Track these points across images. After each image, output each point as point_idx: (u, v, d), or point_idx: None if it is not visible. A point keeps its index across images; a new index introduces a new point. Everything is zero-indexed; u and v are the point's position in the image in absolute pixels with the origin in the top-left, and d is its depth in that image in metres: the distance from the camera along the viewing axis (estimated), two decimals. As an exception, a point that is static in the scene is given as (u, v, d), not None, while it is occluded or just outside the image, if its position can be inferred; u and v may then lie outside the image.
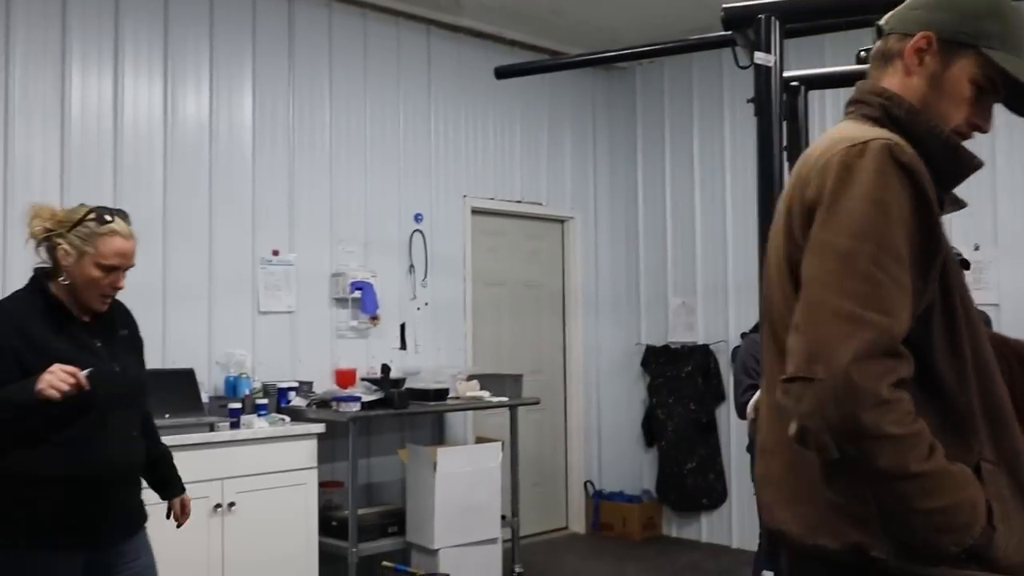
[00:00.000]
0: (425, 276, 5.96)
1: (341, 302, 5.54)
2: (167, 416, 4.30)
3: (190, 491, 4.17)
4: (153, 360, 4.69)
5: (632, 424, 7.08)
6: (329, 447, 4.93)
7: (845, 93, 5.82)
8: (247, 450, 4.38)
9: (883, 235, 1.35)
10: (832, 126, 5.89)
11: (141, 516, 2.69)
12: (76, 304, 2.50)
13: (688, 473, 6.66)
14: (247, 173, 5.22)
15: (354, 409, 4.72)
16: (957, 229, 5.49)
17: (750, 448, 4.18)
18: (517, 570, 5.41)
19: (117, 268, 2.49)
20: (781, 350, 1.47)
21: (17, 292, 2.55)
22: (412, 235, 5.92)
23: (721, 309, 6.61)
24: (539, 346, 6.85)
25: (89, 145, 4.67)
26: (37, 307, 2.46)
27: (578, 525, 6.95)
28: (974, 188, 5.49)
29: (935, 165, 1.48)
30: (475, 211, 6.33)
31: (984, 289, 5.19)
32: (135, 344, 2.71)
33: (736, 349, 6.17)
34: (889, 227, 1.36)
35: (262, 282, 5.24)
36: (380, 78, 5.85)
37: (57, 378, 2.25)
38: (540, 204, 6.79)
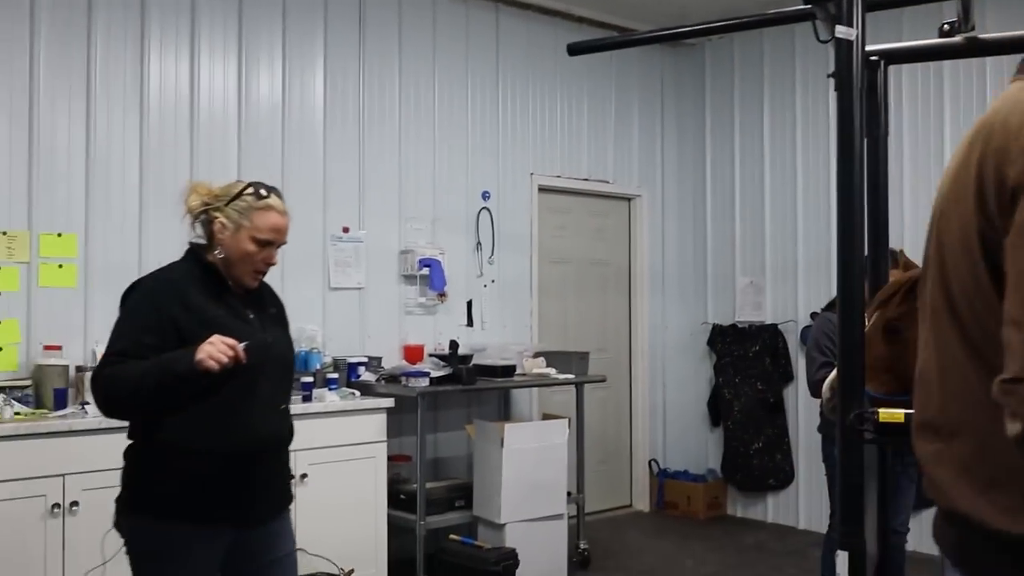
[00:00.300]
0: (492, 253, 5.99)
1: (409, 279, 5.60)
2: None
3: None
4: (228, 334, 4.85)
5: (697, 403, 7.05)
6: (397, 421, 5.00)
7: (923, 68, 5.65)
8: (318, 423, 4.47)
9: None
10: (909, 102, 5.75)
11: (287, 496, 2.63)
12: (229, 279, 2.51)
13: (754, 453, 6.61)
14: (318, 152, 5.30)
15: (423, 384, 4.78)
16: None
17: (821, 428, 4.14)
18: (582, 546, 5.44)
19: (271, 243, 2.49)
20: (962, 326, 1.46)
21: (173, 263, 2.55)
22: (479, 213, 5.95)
23: (790, 288, 6.52)
24: (605, 324, 6.84)
25: (166, 125, 4.78)
26: (196, 275, 2.47)
27: (642, 503, 6.95)
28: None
29: None
30: (542, 189, 6.33)
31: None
32: (283, 324, 2.71)
33: (807, 329, 6.10)
34: None
35: (332, 259, 5.31)
36: (449, 56, 5.87)
37: (217, 349, 2.22)
38: (607, 182, 6.76)
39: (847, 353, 2.18)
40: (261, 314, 2.56)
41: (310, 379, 4.68)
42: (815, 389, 3.92)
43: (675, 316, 7.15)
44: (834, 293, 3.73)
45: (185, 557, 2.35)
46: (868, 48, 2.53)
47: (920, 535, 5.65)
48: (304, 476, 4.38)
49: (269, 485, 2.51)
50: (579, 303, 6.68)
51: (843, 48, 2.31)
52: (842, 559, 2.10)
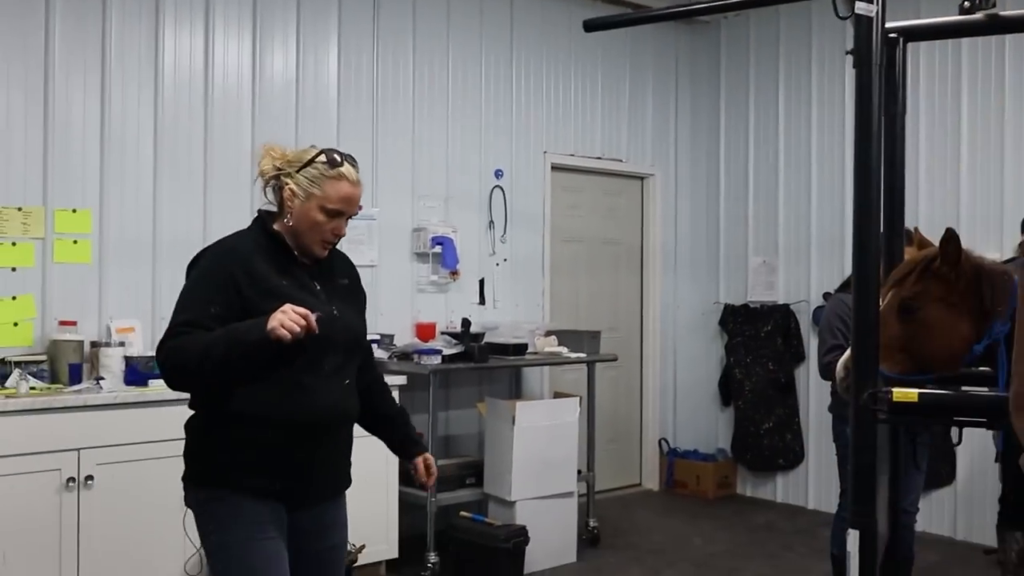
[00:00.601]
0: (504, 232, 5.98)
1: (422, 256, 5.60)
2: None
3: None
4: (241, 311, 4.87)
5: (708, 383, 7.05)
6: (409, 399, 5.01)
7: (941, 46, 5.60)
8: (331, 400, 4.49)
9: None
10: (926, 80, 5.72)
11: (347, 478, 2.56)
12: (297, 248, 2.41)
13: (765, 433, 6.62)
14: (332, 129, 5.29)
15: (435, 362, 4.79)
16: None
17: (832, 408, 4.14)
18: (591, 524, 5.46)
19: (341, 214, 2.38)
20: None
21: (240, 231, 2.47)
22: (492, 191, 5.94)
23: (803, 269, 6.50)
24: (616, 303, 6.84)
25: (181, 100, 4.78)
26: (261, 244, 2.38)
27: (652, 482, 6.97)
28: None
29: None
30: (555, 167, 6.31)
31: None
32: (355, 295, 2.59)
33: (819, 309, 6.08)
34: None
35: (346, 237, 5.30)
36: (463, 33, 5.84)
37: (289, 318, 2.13)
38: (620, 160, 6.74)
39: (861, 333, 2.18)
40: (329, 286, 2.46)
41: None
42: (825, 371, 3.92)
43: (687, 296, 7.14)
44: (847, 274, 3.72)
45: (255, 529, 2.30)
46: (888, 25, 2.51)
47: (930, 516, 5.66)
48: (317, 452, 4.42)
49: (329, 464, 2.45)
50: (591, 282, 6.67)
51: (863, 25, 2.29)
52: (853, 538, 2.10)
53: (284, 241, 2.38)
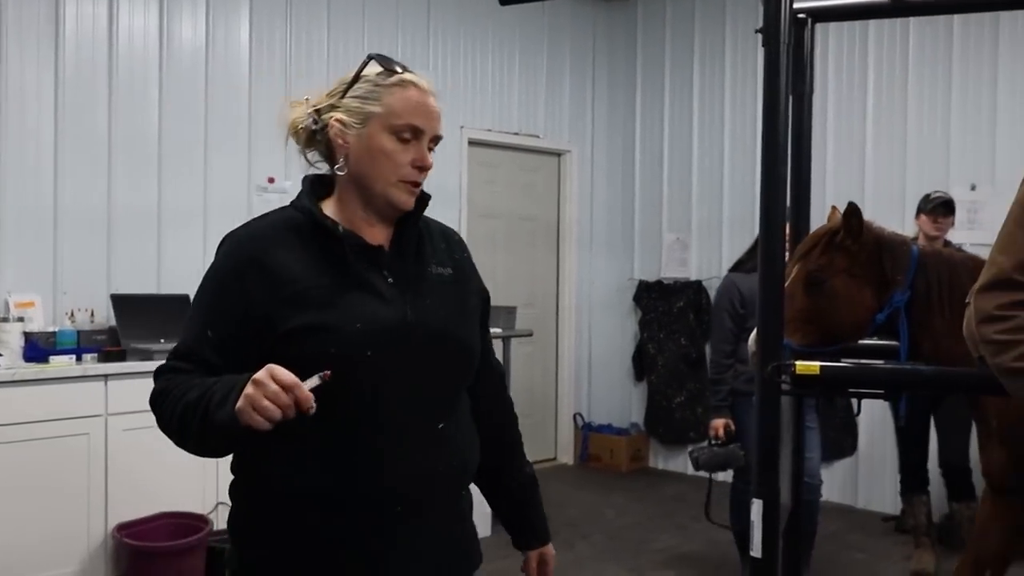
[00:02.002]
0: (420, 207, 5.93)
1: (336, 231, 5.52)
2: (162, 340, 4.32)
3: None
4: (147, 286, 4.74)
5: (623, 358, 7.14)
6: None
7: (849, 27, 5.73)
8: (243, 376, 4.40)
9: None
10: (835, 60, 5.86)
11: (463, 564, 1.72)
12: (371, 208, 1.65)
13: (676, 407, 6.74)
14: (243, 99, 5.16)
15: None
16: (954, 169, 5.50)
17: (752, 381, 4.25)
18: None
19: (419, 133, 1.63)
20: None
21: (278, 209, 1.72)
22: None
23: (715, 245, 6.62)
24: (533, 279, 6.87)
25: (83, 70, 4.60)
26: (298, 227, 1.63)
27: (567, 456, 7.04)
28: (971, 128, 5.49)
29: None
30: (472, 142, 6.29)
31: (979, 229, 5.21)
32: (460, 289, 1.74)
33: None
34: None
35: (258, 209, 5.18)
36: (379, 6, 5.76)
37: (265, 395, 1.39)
38: (537, 136, 6.74)
39: (767, 307, 2.22)
40: (410, 277, 1.65)
41: (233, 331, 4.60)
42: (716, 368, 4.06)
43: (602, 272, 7.21)
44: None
45: None
46: (796, 5, 2.55)
47: (832, 486, 5.85)
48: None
49: (423, 554, 1.61)
50: (508, 258, 6.68)
51: (771, 4, 2.31)
52: (757, 507, 2.15)
53: (317, 215, 1.62)
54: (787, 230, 2.80)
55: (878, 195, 5.69)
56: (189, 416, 1.50)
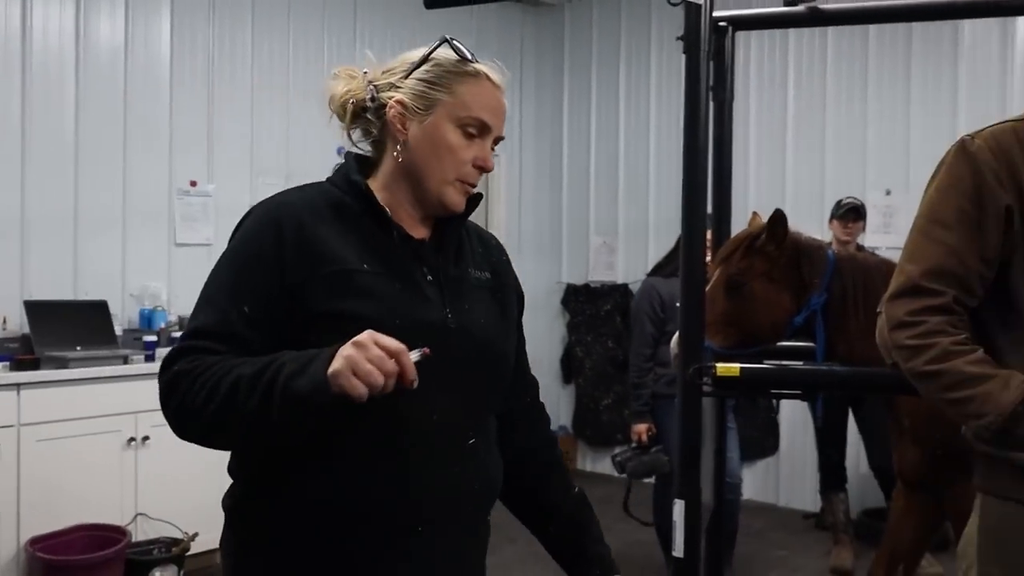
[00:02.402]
0: (347, 211, 5.88)
1: (261, 235, 5.44)
2: (78, 348, 4.21)
3: (102, 425, 4.16)
4: (63, 292, 4.60)
5: (551, 361, 7.17)
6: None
7: (770, 35, 5.83)
8: (163, 383, 4.30)
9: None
10: (757, 68, 5.98)
11: None
12: (417, 201, 1.51)
13: (604, 409, 6.80)
14: (164, 100, 5.06)
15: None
16: (870, 174, 5.66)
17: (673, 383, 4.31)
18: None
19: (485, 131, 1.49)
20: None
21: (314, 183, 1.54)
22: (335, 169, 5.82)
23: (641, 249, 6.70)
24: (461, 283, 6.85)
25: (-7, 65, 4.46)
26: (339, 205, 1.46)
27: (496, 460, 7.05)
28: (886, 135, 5.65)
29: None
30: (399, 146, 6.25)
31: (893, 233, 5.36)
32: (500, 295, 1.60)
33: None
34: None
35: (179, 213, 5.11)
36: (304, 6, 5.69)
37: (368, 358, 1.25)
38: (464, 140, 6.74)
39: (689, 310, 2.26)
40: (451, 277, 1.52)
41: (153, 338, 4.51)
42: (637, 372, 4.11)
43: (530, 275, 7.22)
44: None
45: None
46: (716, 14, 2.60)
47: (755, 484, 5.96)
48: (146, 439, 4.24)
49: (437, 573, 1.48)
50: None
51: (691, 12, 2.35)
52: (679, 507, 2.18)
53: (370, 195, 1.47)
54: (709, 235, 2.85)
55: (798, 200, 5.82)
56: (242, 393, 1.30)
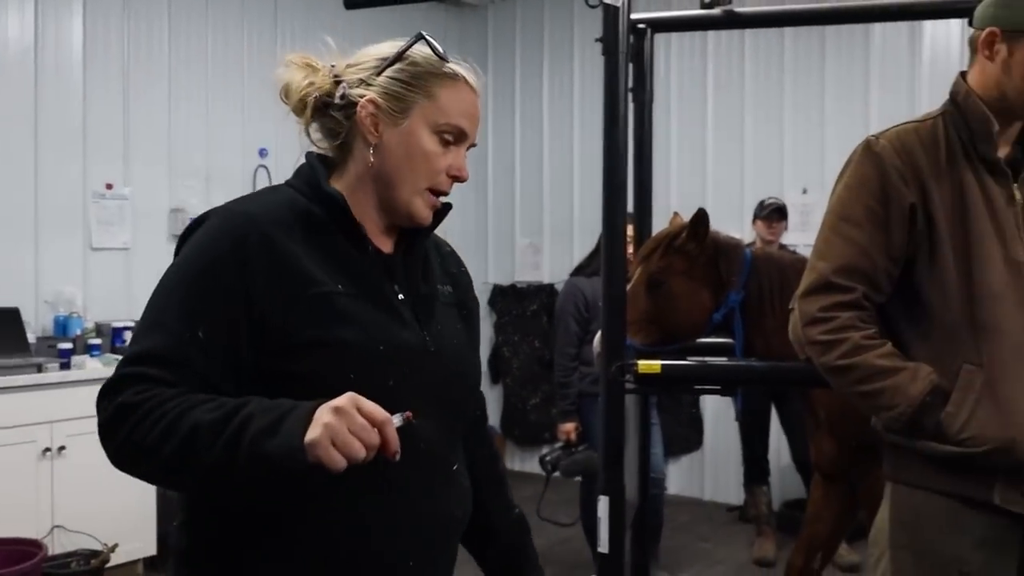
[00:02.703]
0: (270, 213, 5.80)
1: (181, 238, 5.33)
2: (-10, 357, 4.07)
3: (16, 436, 4.03)
4: (-27, 297, 4.45)
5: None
6: (169, 387, 4.78)
7: (690, 37, 5.93)
8: (79, 392, 4.18)
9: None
10: (677, 69, 6.07)
11: None
12: (377, 214, 1.39)
13: (531, 409, 6.84)
14: (77, 101, 4.92)
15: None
16: (787, 173, 5.79)
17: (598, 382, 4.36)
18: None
19: (461, 139, 1.40)
20: None
21: (269, 188, 1.43)
22: (257, 170, 5.74)
23: (567, 249, 6.74)
24: (387, 285, 6.81)
25: None
26: (305, 213, 1.33)
27: (425, 462, 7.02)
28: (802, 135, 5.79)
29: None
30: (322, 147, 6.19)
31: (811, 230, 5.47)
32: (463, 312, 1.53)
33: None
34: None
35: (94, 217, 4.98)
36: (224, 4, 5.60)
37: (351, 427, 1.13)
38: (389, 142, 6.70)
39: (610, 309, 2.28)
40: (420, 297, 1.42)
41: (69, 346, 4.38)
42: (563, 371, 4.15)
43: (457, 277, 7.23)
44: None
45: None
46: (634, 16, 2.64)
47: (679, 479, 6.06)
48: (62, 449, 4.12)
49: None
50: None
51: (610, 14, 2.38)
52: (603, 504, 2.21)
53: (347, 208, 1.34)
54: (631, 234, 2.90)
55: (718, 199, 5.93)
56: (202, 441, 1.15)
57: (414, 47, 1.38)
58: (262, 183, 5.73)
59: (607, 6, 2.37)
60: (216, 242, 1.28)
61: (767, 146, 5.89)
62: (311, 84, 1.37)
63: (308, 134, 1.42)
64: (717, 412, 5.89)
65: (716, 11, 3.20)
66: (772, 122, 5.87)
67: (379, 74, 1.36)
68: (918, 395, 1.72)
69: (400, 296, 1.37)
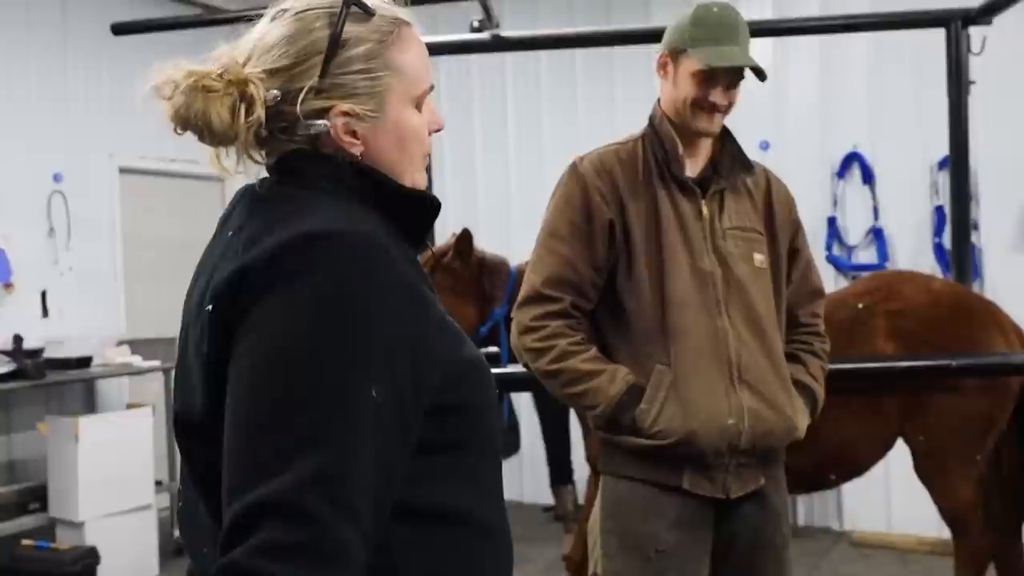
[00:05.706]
0: (69, 239, 5.63)
1: (-34, 269, 5.12)
2: None
3: None
4: None
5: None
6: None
7: (459, 60, 6.08)
8: None
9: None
10: (446, 92, 6.23)
11: None
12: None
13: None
14: None
15: (-18, 383, 4.40)
16: (550, 188, 6.06)
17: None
18: (177, 534, 5.34)
19: (429, 91, 1.21)
20: None
21: (333, 204, 1.11)
22: (51, 196, 5.56)
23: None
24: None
25: None
26: (391, 232, 1.13)
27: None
28: (560, 150, 5.92)
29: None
30: (124, 170, 6.05)
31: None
32: None
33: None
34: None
35: None
36: (7, 28, 5.40)
37: None
38: (196, 162, 6.59)
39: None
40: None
41: None
42: None
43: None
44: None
45: None
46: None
47: (510, 483, 6.20)
48: None
49: None
50: (175, 288, 6.46)
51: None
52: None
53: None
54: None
55: (490, 217, 6.14)
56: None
57: (346, 24, 1.11)
58: (58, 209, 5.56)
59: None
60: (386, 301, 1.04)
61: (469, 163, 6.25)
62: (254, 116, 1.10)
63: (250, 156, 1.19)
64: (533, 417, 6.06)
65: (484, 35, 3.38)
66: (533, 140, 6.20)
67: (324, 76, 1.10)
68: (615, 395, 1.90)
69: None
